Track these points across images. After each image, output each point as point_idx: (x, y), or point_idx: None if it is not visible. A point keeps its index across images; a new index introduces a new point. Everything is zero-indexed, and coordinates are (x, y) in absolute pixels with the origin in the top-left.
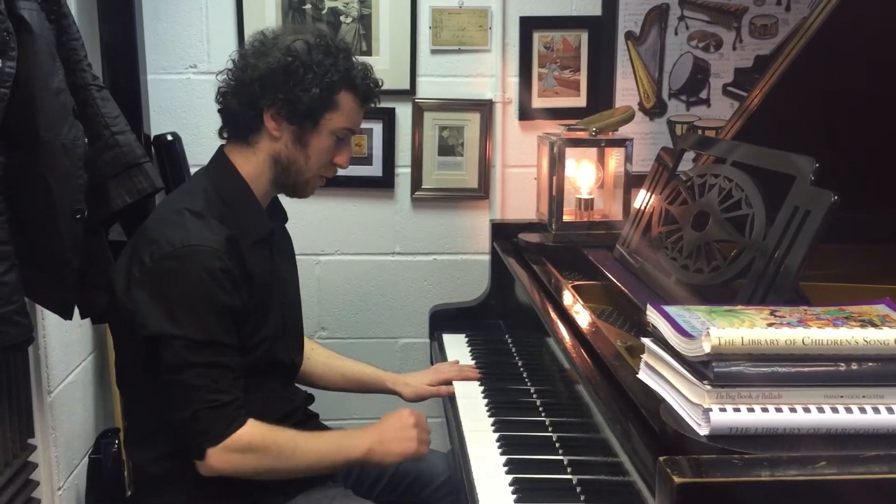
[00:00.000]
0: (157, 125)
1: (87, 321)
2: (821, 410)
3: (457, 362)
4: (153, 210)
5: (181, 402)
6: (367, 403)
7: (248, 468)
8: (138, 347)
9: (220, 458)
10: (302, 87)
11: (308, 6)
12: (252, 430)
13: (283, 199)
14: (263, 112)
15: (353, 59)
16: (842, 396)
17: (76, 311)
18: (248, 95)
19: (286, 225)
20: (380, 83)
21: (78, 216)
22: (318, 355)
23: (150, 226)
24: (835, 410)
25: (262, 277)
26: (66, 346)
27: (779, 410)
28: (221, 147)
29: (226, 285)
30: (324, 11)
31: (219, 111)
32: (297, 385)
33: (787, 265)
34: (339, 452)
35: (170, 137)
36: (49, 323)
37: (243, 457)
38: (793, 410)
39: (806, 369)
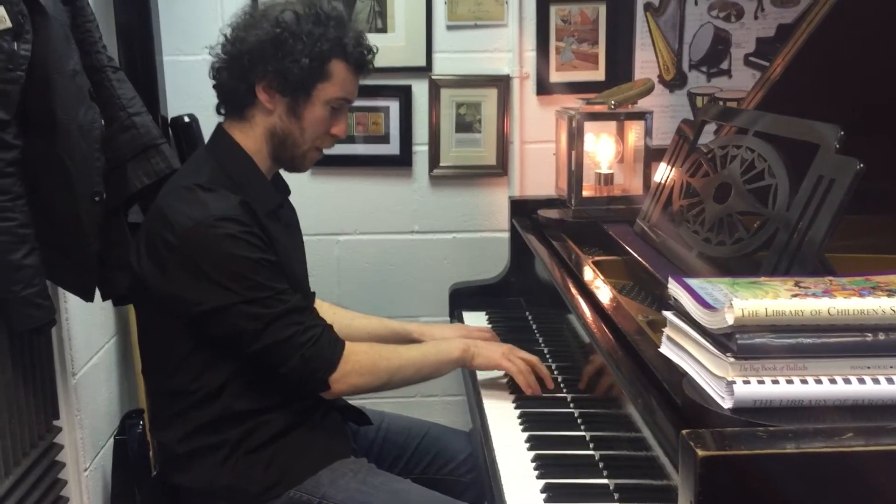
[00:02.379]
0: (175, 107)
1: (110, 303)
2: (847, 382)
3: (488, 329)
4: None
5: (283, 355)
6: None
7: (366, 384)
8: (189, 326)
9: (342, 381)
10: (291, 58)
11: None
12: (356, 349)
13: (294, 177)
14: (255, 85)
15: (346, 25)
16: (868, 367)
17: (97, 294)
18: (240, 69)
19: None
20: (374, 49)
21: (97, 198)
22: (341, 318)
23: (162, 207)
24: (861, 381)
25: (279, 246)
26: (89, 329)
27: (804, 382)
28: (220, 124)
29: (256, 243)
30: None
31: (213, 87)
32: None
33: (811, 235)
34: (439, 354)
35: (187, 119)
36: (72, 305)
37: (360, 376)
38: (818, 382)
39: (832, 340)
